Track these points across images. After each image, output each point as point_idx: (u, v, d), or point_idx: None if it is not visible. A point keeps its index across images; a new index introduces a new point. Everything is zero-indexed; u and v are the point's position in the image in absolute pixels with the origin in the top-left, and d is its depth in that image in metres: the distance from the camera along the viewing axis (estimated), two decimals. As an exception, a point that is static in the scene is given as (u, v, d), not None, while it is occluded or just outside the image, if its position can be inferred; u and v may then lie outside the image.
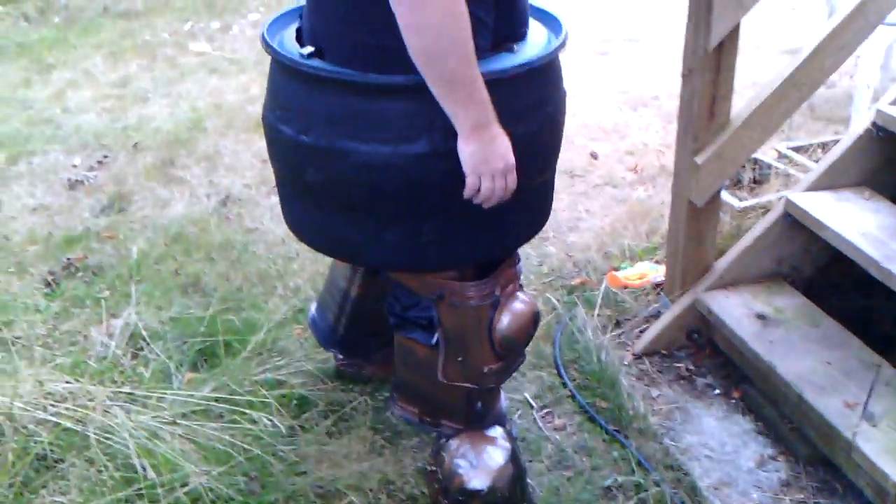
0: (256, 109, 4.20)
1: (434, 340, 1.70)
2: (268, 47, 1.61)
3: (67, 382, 2.03)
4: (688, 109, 2.16)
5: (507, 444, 1.80)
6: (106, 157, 3.77)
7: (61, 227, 3.17)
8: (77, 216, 3.27)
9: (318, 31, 1.55)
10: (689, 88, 2.15)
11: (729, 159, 2.17)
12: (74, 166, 3.69)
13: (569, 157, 3.54)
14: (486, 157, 1.43)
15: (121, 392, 2.05)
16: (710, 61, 2.07)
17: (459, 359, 1.72)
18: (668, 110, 3.99)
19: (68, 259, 2.93)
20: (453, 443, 1.81)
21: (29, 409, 1.88)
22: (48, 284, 2.81)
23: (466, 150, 1.43)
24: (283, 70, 1.60)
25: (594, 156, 3.54)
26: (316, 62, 1.51)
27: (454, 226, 1.56)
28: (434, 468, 1.83)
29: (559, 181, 2.78)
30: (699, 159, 2.15)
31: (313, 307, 2.26)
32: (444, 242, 1.57)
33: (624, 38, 5.03)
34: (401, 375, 1.88)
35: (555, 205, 1.88)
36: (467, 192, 1.47)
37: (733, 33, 2.05)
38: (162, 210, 3.28)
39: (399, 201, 1.52)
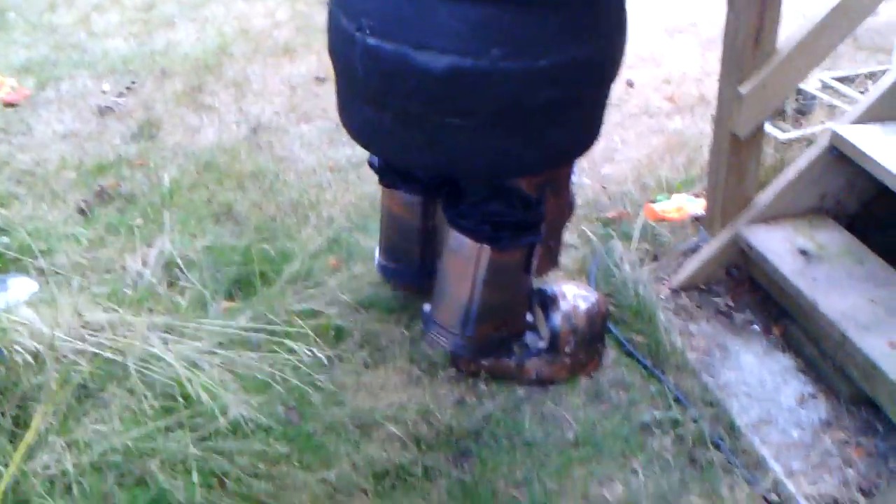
0: (283, 35, 4.14)
1: (539, 238, 1.88)
2: None
3: (105, 312, 2.04)
4: (732, 37, 2.09)
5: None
6: (134, 82, 3.73)
7: (92, 154, 3.15)
8: (107, 143, 3.25)
9: None
10: (734, 15, 2.07)
11: (774, 90, 2.10)
12: (104, 92, 3.65)
13: (604, 85, 3.46)
14: None
15: (158, 322, 2.06)
16: (760, -12, 1.99)
17: (551, 243, 1.96)
18: (707, 37, 3.87)
19: (101, 186, 2.92)
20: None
21: (69, 339, 1.89)
22: (82, 212, 2.81)
23: None
24: None
25: (630, 84, 3.46)
26: None
27: (564, 129, 1.71)
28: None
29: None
30: (743, 89, 2.09)
31: (377, 257, 2.29)
32: (562, 143, 1.74)
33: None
34: (486, 299, 1.92)
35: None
36: None
37: (784, -42, 1.96)
38: (192, 137, 3.25)
39: (536, 112, 1.61)
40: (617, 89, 3.40)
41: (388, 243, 2.24)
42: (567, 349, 1.99)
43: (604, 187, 2.80)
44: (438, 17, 1.50)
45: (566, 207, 1.98)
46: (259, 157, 3.09)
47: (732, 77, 2.11)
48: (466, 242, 1.86)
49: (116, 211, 2.80)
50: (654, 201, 2.66)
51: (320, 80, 3.64)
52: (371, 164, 2.18)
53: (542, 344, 2.03)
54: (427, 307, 2.06)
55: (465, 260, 1.88)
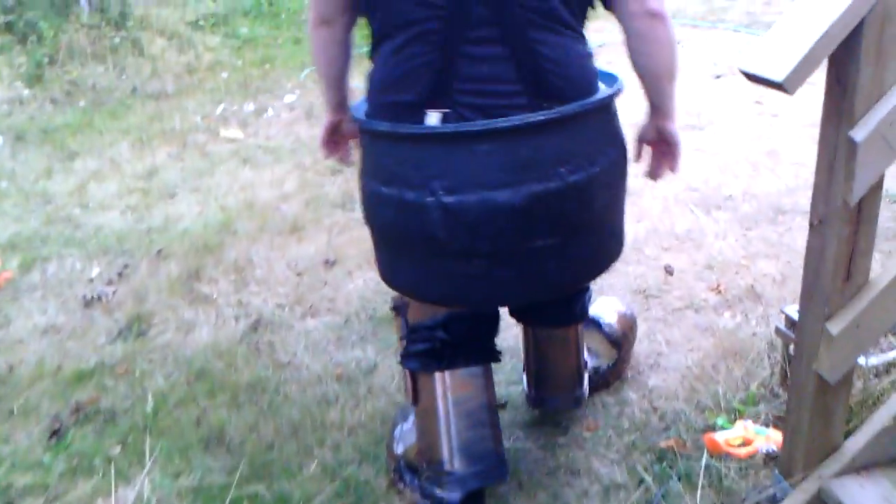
0: (291, 209, 3.88)
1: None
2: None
3: None
4: (817, 266, 1.76)
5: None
6: (126, 266, 3.44)
7: (73, 357, 2.83)
8: (90, 342, 2.93)
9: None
10: (818, 242, 1.75)
11: (870, 329, 1.76)
12: (91, 280, 3.36)
13: (641, 271, 3.16)
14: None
15: None
16: (849, 213, 1.67)
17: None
18: (745, 212, 3.60)
19: (77, 403, 2.57)
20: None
21: None
22: (54, 434, 2.45)
23: (675, 128, 1.85)
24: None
25: (669, 271, 3.14)
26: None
27: (617, 223, 1.89)
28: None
29: (633, 302, 2.92)
30: (833, 328, 1.75)
31: (461, 469, 1.90)
32: (619, 236, 1.91)
33: (685, 124, 4.66)
34: (582, 357, 2.30)
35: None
36: (676, 160, 1.91)
37: (879, 181, 1.66)
38: (185, 336, 2.93)
39: (598, 219, 1.76)
40: (656, 277, 3.11)
41: (463, 444, 1.91)
42: (625, 354, 2.53)
43: (653, 406, 2.43)
44: (503, 155, 1.58)
45: None
46: (258, 362, 2.75)
47: (817, 311, 1.77)
48: (558, 330, 2.22)
49: (93, 433, 2.45)
50: (713, 427, 2.29)
51: (329, 263, 3.34)
52: (420, 356, 1.92)
53: (607, 363, 2.48)
54: (529, 391, 2.34)
55: (562, 342, 2.24)
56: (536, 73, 1.60)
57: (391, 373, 2.63)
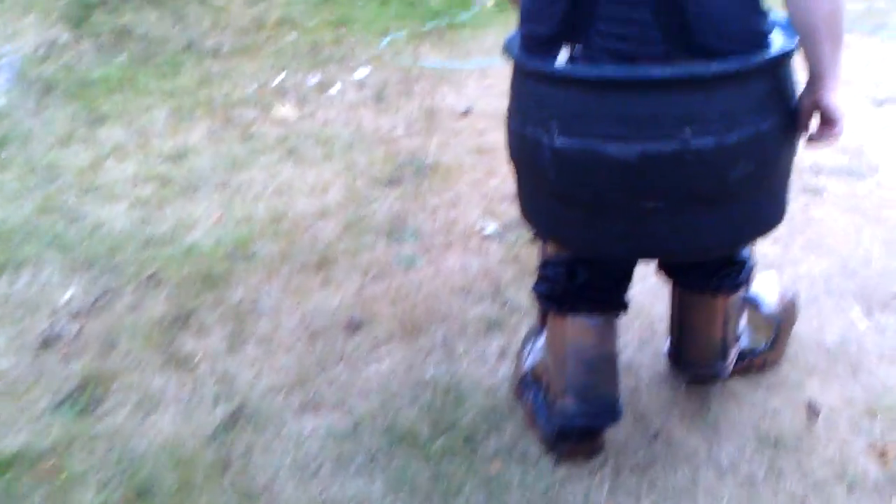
0: (326, 231, 3.09)
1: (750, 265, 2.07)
2: None
3: None
4: None
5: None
6: (107, 293, 2.73)
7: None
8: (28, 406, 2.25)
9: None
10: None
11: None
12: (61, 306, 2.66)
13: (774, 404, 2.27)
14: (841, 105, 1.63)
15: None
16: None
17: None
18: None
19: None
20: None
21: None
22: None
23: (837, 100, 1.61)
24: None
25: (815, 410, 2.25)
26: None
27: (759, 201, 1.70)
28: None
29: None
30: None
31: (571, 405, 1.95)
32: (762, 215, 1.75)
33: (837, 166, 3.66)
34: (729, 330, 2.09)
35: None
36: (837, 132, 1.64)
37: None
38: (142, 420, 2.20)
39: (731, 186, 1.60)
40: (793, 417, 2.09)
41: (579, 387, 1.95)
42: (784, 336, 2.32)
43: None
44: (622, 107, 1.52)
45: None
46: (223, 484, 2.00)
47: None
48: (705, 297, 2.03)
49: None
50: None
51: (353, 326, 2.56)
52: (542, 295, 1.98)
53: (764, 343, 2.28)
54: (670, 348, 2.22)
55: (708, 311, 2.05)
56: (676, 19, 1.50)
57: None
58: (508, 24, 5.95)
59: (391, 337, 2.51)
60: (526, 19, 1.67)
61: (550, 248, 1.94)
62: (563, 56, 1.59)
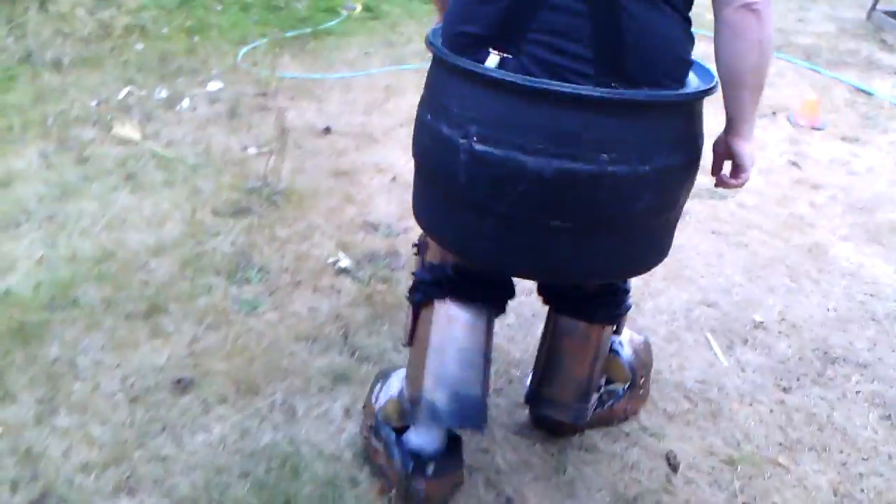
0: (160, 271, 2.82)
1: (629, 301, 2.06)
2: None
3: None
4: None
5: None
6: None
7: None
8: None
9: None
10: None
11: None
12: None
13: (632, 457, 2.15)
14: (753, 153, 1.70)
15: None
16: None
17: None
18: (782, 354, 2.58)
19: None
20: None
21: None
22: None
23: (749, 149, 1.68)
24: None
25: (673, 464, 2.14)
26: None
27: (655, 236, 1.70)
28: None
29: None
30: None
31: (440, 403, 1.84)
32: (654, 249, 1.73)
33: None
34: (598, 369, 2.04)
35: None
36: (741, 181, 1.72)
37: None
38: (-77, 517, 1.90)
39: (637, 222, 1.61)
40: (652, 471, 2.09)
41: (450, 380, 1.85)
42: (642, 381, 2.25)
43: None
44: (549, 121, 1.48)
45: None
46: None
47: None
48: (580, 325, 1.97)
49: None
50: None
51: (182, 385, 2.31)
52: (424, 282, 1.88)
53: (622, 386, 2.20)
54: (530, 387, 2.12)
55: (581, 340, 1.99)
56: (613, 42, 1.49)
57: None
58: (375, 33, 5.73)
59: (224, 399, 2.27)
60: (457, 18, 1.61)
61: (433, 256, 1.88)
62: (492, 60, 1.54)
